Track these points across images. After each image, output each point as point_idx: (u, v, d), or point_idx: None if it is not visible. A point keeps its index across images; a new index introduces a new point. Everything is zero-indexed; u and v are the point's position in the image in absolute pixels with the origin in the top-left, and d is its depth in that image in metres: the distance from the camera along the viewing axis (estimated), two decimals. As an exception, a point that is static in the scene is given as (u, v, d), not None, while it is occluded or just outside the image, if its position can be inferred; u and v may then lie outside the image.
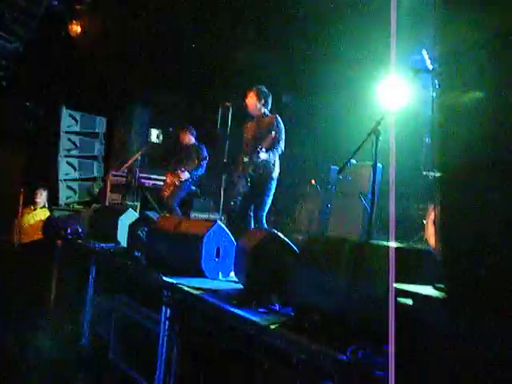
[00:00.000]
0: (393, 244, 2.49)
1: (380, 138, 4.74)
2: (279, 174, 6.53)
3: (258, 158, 6.10)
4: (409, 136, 6.93)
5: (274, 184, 6.46)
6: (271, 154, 6.26)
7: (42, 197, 9.04)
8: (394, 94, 6.92)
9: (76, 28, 7.90)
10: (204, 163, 8.26)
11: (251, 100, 6.66)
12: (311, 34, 8.31)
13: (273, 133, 6.20)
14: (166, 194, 8.26)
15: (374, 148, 4.79)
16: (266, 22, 8.39)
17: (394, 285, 2.06)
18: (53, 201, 9.49)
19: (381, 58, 7.05)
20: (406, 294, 2.04)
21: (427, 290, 2.03)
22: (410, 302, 2.02)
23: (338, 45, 8.28)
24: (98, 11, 7.89)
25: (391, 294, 2.04)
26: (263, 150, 6.08)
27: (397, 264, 2.24)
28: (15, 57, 8.77)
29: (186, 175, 8.10)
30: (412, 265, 2.49)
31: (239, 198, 6.54)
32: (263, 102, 6.63)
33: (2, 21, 7.63)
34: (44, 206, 9.09)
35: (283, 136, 6.44)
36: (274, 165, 6.39)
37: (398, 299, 2.04)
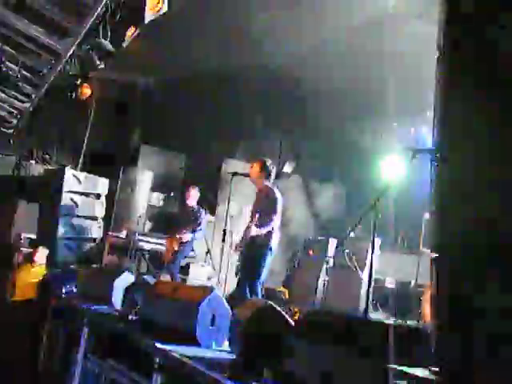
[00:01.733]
0: (390, 321, 2.48)
1: (379, 214, 4.78)
2: (277, 243, 6.60)
3: (249, 233, 6.30)
4: (408, 212, 6.99)
5: (269, 255, 6.53)
6: (263, 228, 6.39)
7: (40, 255, 9.01)
8: (395, 171, 7.02)
9: (86, 91, 8.11)
10: (203, 225, 8.34)
11: (254, 170, 6.80)
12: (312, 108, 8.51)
13: (260, 213, 6.42)
14: (167, 259, 8.28)
15: (374, 223, 4.83)
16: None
17: (391, 365, 2.05)
18: (50, 259, 9.45)
19: (384, 136, 7.22)
20: (403, 375, 2.02)
21: (423, 373, 2.01)
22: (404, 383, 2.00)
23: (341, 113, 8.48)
24: (108, 78, 8.13)
25: (390, 375, 2.02)
26: (253, 226, 6.26)
27: (394, 341, 2.23)
28: (26, 114, 8.97)
29: (187, 236, 8.17)
30: (408, 343, 2.47)
31: (237, 267, 6.61)
32: (265, 174, 6.76)
33: (16, 81, 7.84)
34: (41, 264, 9.04)
35: (278, 209, 6.55)
36: (267, 236, 6.47)
37: (395, 381, 2.02)
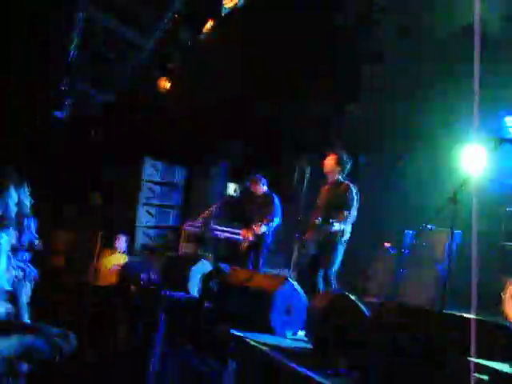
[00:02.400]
0: (471, 316, 2.43)
1: (459, 205, 4.66)
2: (351, 236, 6.54)
3: (330, 229, 6.20)
4: (488, 204, 6.76)
5: (342, 248, 6.49)
6: (343, 224, 6.32)
7: (121, 242, 9.33)
8: (475, 162, 6.81)
9: (165, 84, 8.28)
10: (278, 213, 8.22)
11: (328, 163, 6.71)
12: (393, 94, 8.32)
13: (344, 213, 6.26)
14: (243, 249, 8.31)
15: (452, 215, 4.71)
16: (343, 78, 8.47)
17: (471, 359, 2.01)
18: (130, 246, 9.76)
19: (463, 125, 6.99)
20: (483, 369, 1.98)
21: (504, 368, 1.96)
22: (485, 377, 1.96)
23: (420, 106, 8.27)
24: (186, 70, 8.25)
25: (471, 369, 1.97)
26: (335, 223, 6.17)
27: (475, 336, 2.18)
28: (107, 106, 9.25)
29: (262, 229, 8.08)
30: (488, 339, 2.41)
31: (308, 257, 6.59)
32: (341, 168, 6.66)
33: (99, 74, 8.10)
34: (122, 251, 9.36)
35: (356, 205, 6.47)
36: (343, 231, 6.42)
37: (475, 374, 1.98)
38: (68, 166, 10.61)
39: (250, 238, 8.19)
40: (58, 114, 9.01)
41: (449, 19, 6.64)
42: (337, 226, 6.22)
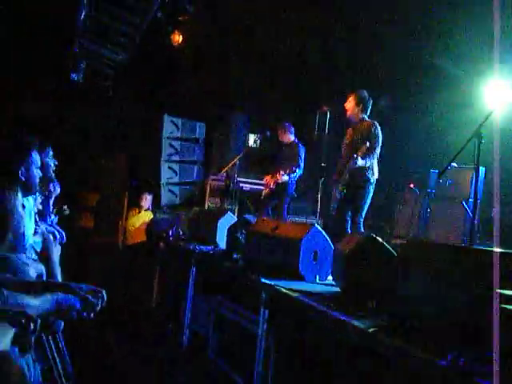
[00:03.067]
0: (497, 249, 2.42)
1: (483, 141, 4.59)
2: (377, 177, 6.49)
3: (355, 164, 6.10)
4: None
5: (371, 188, 6.43)
6: (367, 160, 6.23)
7: (146, 200, 9.43)
8: (499, 96, 6.66)
9: (178, 38, 8.17)
10: (301, 164, 8.22)
11: (350, 104, 6.62)
12: (415, 33, 8.11)
13: (367, 143, 6.18)
14: (266, 192, 8.38)
15: (477, 151, 4.64)
16: (363, 21, 8.27)
17: (499, 290, 2.01)
18: (155, 204, 9.86)
19: (487, 57, 6.80)
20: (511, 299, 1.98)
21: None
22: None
23: (440, 43, 8.07)
24: (199, 22, 8.13)
25: (495, 300, 1.98)
26: (359, 157, 6.08)
27: (501, 270, 2.18)
28: (121, 67, 9.20)
29: (284, 178, 8.09)
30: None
31: (336, 203, 6.55)
32: (362, 106, 6.56)
33: (108, 34, 8.03)
34: (148, 209, 9.47)
35: (380, 142, 6.39)
36: (371, 169, 6.36)
37: (503, 305, 1.98)
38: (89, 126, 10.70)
39: (272, 185, 8.23)
40: (74, 76, 9.00)
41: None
42: (360, 161, 6.15)
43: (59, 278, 4.56)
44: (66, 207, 6.66)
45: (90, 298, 2.44)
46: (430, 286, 2.77)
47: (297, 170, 8.08)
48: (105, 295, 2.55)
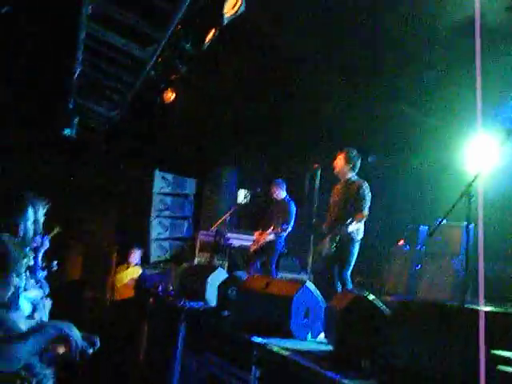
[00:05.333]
0: (484, 308, 2.42)
1: (472, 199, 4.65)
2: (364, 235, 6.55)
3: (346, 230, 6.17)
4: (502, 196, 6.74)
5: (357, 246, 6.50)
6: (358, 224, 6.31)
7: (135, 255, 9.38)
8: (486, 154, 6.77)
9: (170, 95, 8.31)
10: (291, 221, 8.25)
11: (339, 162, 6.70)
12: (401, 93, 8.30)
13: (362, 213, 6.29)
14: (254, 249, 8.37)
15: (468, 209, 4.69)
16: (355, 79, 8.46)
17: (494, 351, 2.01)
18: (145, 259, 9.81)
19: (471, 116, 6.95)
20: (507, 361, 1.98)
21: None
22: (510, 369, 1.96)
23: (428, 103, 8.25)
24: (191, 81, 8.28)
25: (482, 361, 1.98)
26: (351, 223, 6.14)
27: (492, 329, 2.18)
28: (113, 123, 9.31)
29: (270, 237, 8.13)
30: (508, 330, 2.41)
31: (323, 259, 6.59)
32: (351, 165, 6.65)
33: (102, 91, 8.17)
34: (137, 265, 9.40)
35: (368, 203, 6.48)
36: (358, 230, 6.44)
37: (498, 366, 1.98)
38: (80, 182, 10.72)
39: (261, 241, 8.24)
40: (67, 131, 9.08)
41: (451, 11, 6.63)
42: (352, 227, 6.21)
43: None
44: (55, 263, 6.61)
45: (82, 342, 2.42)
46: (422, 347, 2.77)
47: (288, 228, 8.13)
48: (97, 341, 2.53)
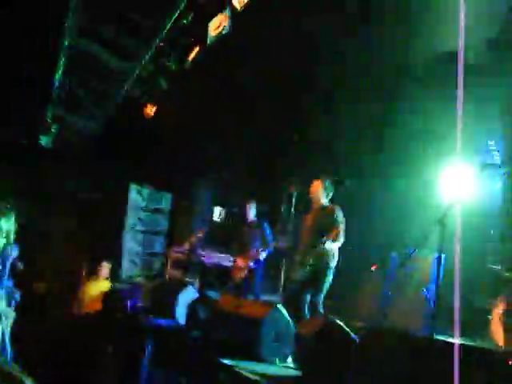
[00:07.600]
0: (457, 341, 2.43)
1: (445, 229, 4.68)
2: (337, 262, 6.60)
3: (322, 247, 6.22)
4: (475, 227, 6.80)
5: (331, 272, 6.55)
6: (333, 245, 6.39)
7: (105, 269, 9.25)
8: (460, 184, 6.85)
9: (150, 110, 8.30)
10: (271, 244, 8.20)
11: (315, 189, 6.87)
12: (377, 121, 8.40)
13: (339, 227, 6.36)
14: (242, 276, 8.18)
15: (440, 239, 4.72)
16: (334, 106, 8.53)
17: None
18: (115, 273, 9.69)
19: (447, 147, 7.04)
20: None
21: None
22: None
23: (404, 129, 8.34)
24: (172, 95, 8.27)
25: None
26: (327, 241, 6.21)
27: (461, 362, 2.18)
28: (92, 134, 9.25)
29: (263, 255, 8.04)
30: (476, 363, 2.42)
31: (296, 284, 6.60)
32: (326, 194, 6.84)
33: (81, 103, 8.12)
34: (106, 278, 9.27)
35: (344, 227, 6.56)
36: (332, 255, 6.50)
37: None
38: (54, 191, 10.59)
39: (251, 264, 8.13)
40: (43, 141, 9.00)
41: (432, 44, 6.74)
42: (328, 244, 6.28)
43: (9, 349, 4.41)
44: (20, 263, 6.48)
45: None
46: (390, 376, 2.76)
47: (266, 253, 8.09)
48: None
